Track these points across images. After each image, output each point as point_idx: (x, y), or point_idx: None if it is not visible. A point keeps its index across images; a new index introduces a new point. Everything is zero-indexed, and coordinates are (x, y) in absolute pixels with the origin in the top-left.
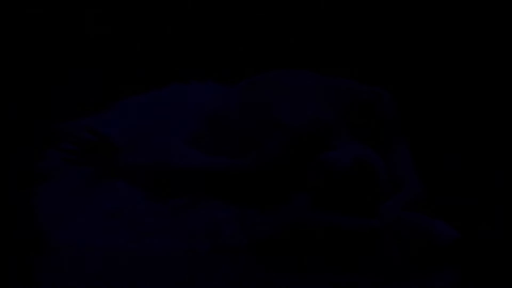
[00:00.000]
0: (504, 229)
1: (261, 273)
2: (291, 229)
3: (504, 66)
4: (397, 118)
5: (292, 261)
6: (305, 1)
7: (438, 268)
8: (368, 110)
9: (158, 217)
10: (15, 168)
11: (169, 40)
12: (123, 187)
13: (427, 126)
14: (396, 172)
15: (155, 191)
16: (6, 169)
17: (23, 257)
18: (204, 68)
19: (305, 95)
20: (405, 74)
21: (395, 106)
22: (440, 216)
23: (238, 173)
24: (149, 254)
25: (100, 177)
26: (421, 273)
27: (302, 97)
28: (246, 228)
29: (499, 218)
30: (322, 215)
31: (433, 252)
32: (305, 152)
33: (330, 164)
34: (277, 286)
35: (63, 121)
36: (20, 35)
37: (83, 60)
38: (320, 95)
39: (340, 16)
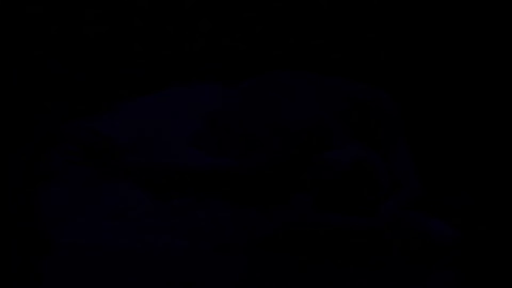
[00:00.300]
0: (503, 229)
1: (261, 273)
2: (291, 229)
3: (503, 65)
4: (396, 118)
5: (292, 261)
6: (305, 1)
7: (438, 268)
8: (368, 110)
9: (160, 216)
10: (17, 168)
11: (169, 40)
12: (126, 188)
13: (427, 126)
14: (396, 172)
15: (157, 191)
16: (8, 169)
17: (25, 256)
18: (205, 68)
19: (306, 96)
20: (406, 74)
21: (395, 106)
22: (440, 216)
23: (239, 174)
24: (151, 253)
25: (102, 177)
26: (421, 273)
27: (302, 97)
28: (246, 228)
29: (499, 218)
30: (322, 215)
31: (432, 251)
32: (305, 152)
33: (330, 164)
34: (277, 286)
35: (64, 122)
36: (20, 34)
37: (83, 59)
38: (320, 95)
39: (340, 16)
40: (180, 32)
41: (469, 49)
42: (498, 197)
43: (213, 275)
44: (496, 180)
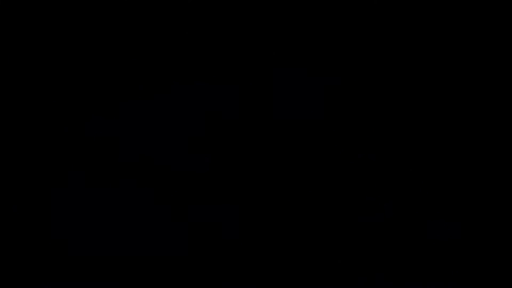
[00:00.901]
0: (504, 229)
1: (261, 273)
2: (291, 229)
3: (503, 65)
4: (396, 117)
5: (292, 261)
6: (305, 1)
7: (437, 268)
8: (367, 110)
9: (160, 217)
10: (20, 170)
11: (169, 40)
12: (127, 188)
13: (427, 126)
14: (395, 172)
15: (157, 192)
16: (11, 171)
17: (29, 256)
18: (204, 68)
19: (305, 95)
20: (406, 74)
21: (393, 105)
22: (440, 216)
23: (239, 174)
24: (151, 254)
25: (104, 178)
26: (421, 273)
27: (302, 97)
28: (246, 228)
29: (499, 218)
30: (322, 215)
31: (432, 252)
32: (305, 152)
33: (330, 165)
34: (277, 286)
35: (65, 122)
36: (20, 34)
37: (83, 59)
38: (319, 95)
39: (340, 16)
40: (180, 32)
41: (469, 52)
42: (498, 198)
43: (213, 275)
44: (496, 180)
